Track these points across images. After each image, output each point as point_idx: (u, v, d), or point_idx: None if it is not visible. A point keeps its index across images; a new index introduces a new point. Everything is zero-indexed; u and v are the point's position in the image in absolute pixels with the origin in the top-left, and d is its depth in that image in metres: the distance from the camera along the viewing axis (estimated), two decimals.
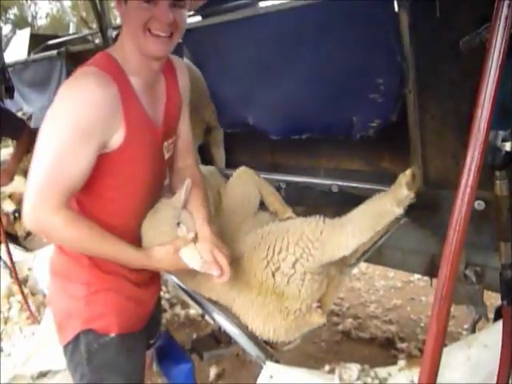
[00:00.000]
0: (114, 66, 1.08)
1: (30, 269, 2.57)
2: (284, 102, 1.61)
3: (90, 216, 1.11)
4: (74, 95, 1.01)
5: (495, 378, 1.11)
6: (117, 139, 1.07)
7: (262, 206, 1.63)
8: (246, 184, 1.60)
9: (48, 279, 1.30)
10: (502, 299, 1.23)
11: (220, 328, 1.43)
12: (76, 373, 1.20)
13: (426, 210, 1.50)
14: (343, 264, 1.37)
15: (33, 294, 2.45)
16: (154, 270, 1.23)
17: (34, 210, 1.00)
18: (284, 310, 1.27)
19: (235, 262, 1.27)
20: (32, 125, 3.08)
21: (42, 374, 2.11)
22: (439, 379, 1.21)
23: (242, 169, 1.64)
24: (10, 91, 2.69)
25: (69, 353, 1.20)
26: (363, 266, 3.75)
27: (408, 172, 1.19)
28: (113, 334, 1.18)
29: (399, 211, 1.18)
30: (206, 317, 1.41)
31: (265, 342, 1.32)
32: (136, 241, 1.18)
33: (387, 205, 1.19)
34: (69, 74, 2.60)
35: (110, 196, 1.15)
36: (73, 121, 0.99)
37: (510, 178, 1.09)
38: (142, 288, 1.29)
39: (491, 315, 1.72)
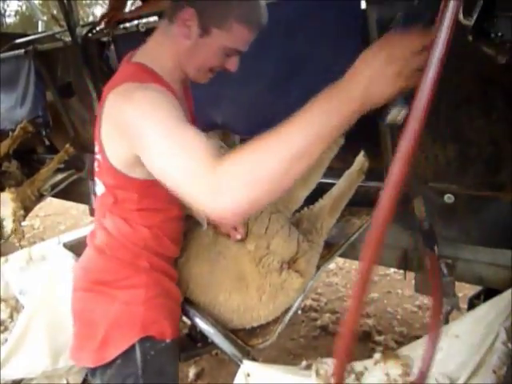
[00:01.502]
0: (152, 74, 1.04)
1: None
2: (253, 101, 1.60)
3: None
4: (150, 95, 0.92)
5: (467, 367, 1.14)
6: None
7: None
8: None
9: (78, 292, 1.21)
10: (425, 246, 1.47)
11: (196, 327, 1.42)
12: None
13: (398, 206, 1.52)
14: (316, 243, 1.47)
15: (4, 300, 2.38)
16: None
17: (208, 183, 0.76)
18: (260, 287, 1.32)
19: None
20: (1, 125, 2.99)
21: (17, 382, 2.07)
22: (414, 369, 1.24)
23: None
24: None
25: (115, 367, 1.11)
26: (340, 261, 3.79)
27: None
28: (168, 340, 1.15)
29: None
30: (183, 317, 1.40)
31: (242, 338, 1.33)
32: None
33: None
34: (37, 73, 2.56)
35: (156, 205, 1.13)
36: (166, 107, 0.89)
37: None
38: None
39: (463, 306, 1.76)
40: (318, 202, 1.57)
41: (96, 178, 1.16)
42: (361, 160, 1.61)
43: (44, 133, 2.78)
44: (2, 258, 2.53)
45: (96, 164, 1.15)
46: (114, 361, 1.11)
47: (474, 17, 0.62)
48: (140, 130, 0.89)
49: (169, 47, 1.06)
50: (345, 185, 1.59)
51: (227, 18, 0.99)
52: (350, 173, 1.61)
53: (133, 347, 1.11)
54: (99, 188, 1.15)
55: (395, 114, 0.75)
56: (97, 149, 1.11)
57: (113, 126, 1.00)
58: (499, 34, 0.64)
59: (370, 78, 0.70)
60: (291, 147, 0.73)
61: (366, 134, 1.63)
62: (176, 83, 1.11)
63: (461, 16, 0.59)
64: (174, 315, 1.23)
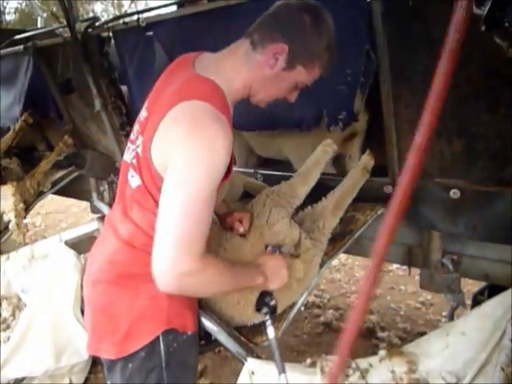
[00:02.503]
0: (222, 96, 1.09)
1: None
2: None
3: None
4: (206, 140, 0.98)
5: (473, 365, 1.12)
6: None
7: None
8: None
9: (102, 285, 1.20)
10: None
11: (200, 326, 1.41)
12: (148, 379, 1.15)
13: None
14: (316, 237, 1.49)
15: (6, 298, 2.37)
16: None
17: (175, 266, 0.98)
18: None
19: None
20: (1, 122, 2.98)
21: (19, 381, 2.06)
22: (419, 367, 1.23)
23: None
24: None
25: (139, 359, 1.14)
26: (343, 257, 3.78)
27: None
28: (190, 332, 1.20)
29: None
30: None
31: (246, 336, 1.32)
32: None
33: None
34: (36, 69, 2.55)
35: None
36: (210, 167, 0.98)
37: None
38: None
39: (469, 302, 1.75)
40: (321, 200, 1.56)
41: (132, 170, 1.15)
42: (366, 158, 1.60)
43: (60, 124, 2.82)
44: (4, 256, 2.52)
45: (133, 156, 1.15)
46: (136, 353, 1.14)
47: (487, 6, 0.60)
48: (178, 166, 0.99)
49: (247, 72, 1.11)
50: (349, 183, 1.57)
51: (314, 61, 1.10)
52: (354, 171, 1.59)
53: (157, 340, 1.14)
54: (135, 181, 1.15)
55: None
56: (139, 142, 1.12)
57: (165, 139, 1.03)
58: None
59: (270, 274, 1.22)
60: (235, 281, 1.13)
61: (370, 129, 1.62)
62: (234, 102, 1.17)
63: (473, 5, 0.57)
64: (194, 308, 1.26)
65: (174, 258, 0.97)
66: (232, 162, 1.13)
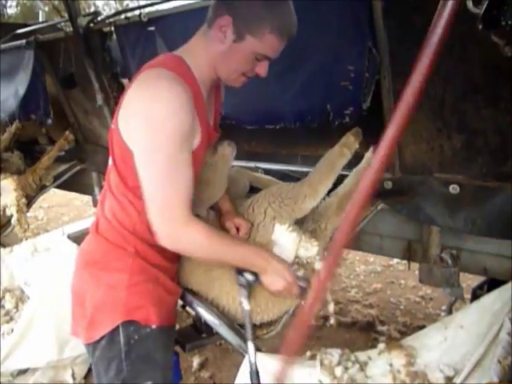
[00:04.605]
0: (186, 69, 1.11)
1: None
2: (257, 91, 1.60)
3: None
4: (159, 102, 1.01)
5: (471, 358, 1.14)
6: (195, 142, 1.11)
7: None
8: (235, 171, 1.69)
9: (76, 271, 1.26)
10: None
11: (201, 318, 1.43)
12: (109, 368, 1.15)
13: (402, 196, 1.52)
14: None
15: (9, 290, 2.39)
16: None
17: (165, 228, 1.05)
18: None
19: None
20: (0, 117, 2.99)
21: (22, 372, 2.09)
22: (417, 360, 1.24)
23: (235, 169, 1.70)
24: None
25: (101, 348, 1.16)
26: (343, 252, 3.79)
27: (353, 129, 1.47)
28: (154, 326, 1.18)
29: (348, 152, 1.43)
30: (187, 308, 1.40)
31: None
32: None
33: (339, 150, 1.44)
34: (38, 62, 2.55)
35: None
36: (171, 130, 1.00)
37: None
38: (175, 281, 1.31)
39: (468, 296, 1.76)
40: (323, 200, 1.49)
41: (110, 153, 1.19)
42: (370, 157, 1.52)
43: (45, 124, 2.79)
44: (7, 249, 2.54)
45: (110, 136, 1.18)
46: (99, 341, 1.15)
47: (484, 5, 0.61)
48: (140, 135, 1.03)
49: (205, 49, 1.13)
50: (352, 183, 1.51)
51: (261, 28, 1.06)
52: (357, 170, 1.53)
53: (116, 330, 1.14)
54: (109, 162, 1.19)
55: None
56: (114, 120, 1.15)
57: (127, 108, 1.07)
58: (510, 22, 0.63)
59: (270, 272, 1.19)
60: (229, 254, 1.15)
61: (367, 122, 1.62)
62: (207, 82, 1.17)
63: (470, 4, 0.58)
64: (164, 303, 1.23)
65: (162, 222, 1.04)
66: (207, 126, 1.16)
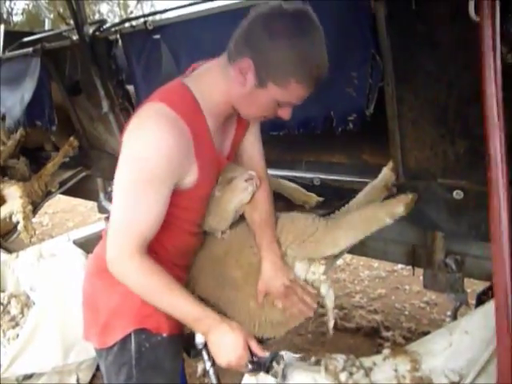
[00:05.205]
0: (191, 102, 1.06)
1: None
2: None
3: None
4: (146, 141, 0.99)
5: (476, 364, 1.13)
6: (190, 180, 1.08)
7: None
8: None
9: (87, 277, 1.28)
10: None
11: None
12: (119, 374, 1.16)
13: None
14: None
15: (15, 296, 2.40)
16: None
17: (113, 254, 1.05)
18: (270, 303, 1.28)
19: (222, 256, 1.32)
20: (6, 124, 3.02)
21: (27, 377, 2.09)
22: (422, 365, 1.24)
23: None
24: None
25: (113, 354, 1.17)
26: (348, 257, 3.79)
27: (410, 196, 1.34)
28: (164, 334, 1.18)
29: (390, 222, 1.31)
30: None
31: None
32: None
33: (382, 215, 1.31)
34: (44, 70, 2.58)
35: (170, 221, 1.13)
36: (145, 170, 0.99)
37: None
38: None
39: (472, 301, 1.76)
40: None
41: None
42: (387, 174, 1.46)
43: (50, 130, 2.81)
44: (13, 255, 2.56)
45: None
46: (112, 347, 1.17)
47: None
48: (118, 170, 1.04)
49: (223, 86, 1.06)
50: (366, 200, 1.45)
51: (286, 77, 0.98)
52: (373, 186, 1.46)
53: (128, 337, 1.15)
54: None
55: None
56: None
57: (125, 134, 1.06)
58: None
59: (214, 338, 1.09)
60: (164, 301, 1.08)
61: (371, 129, 1.63)
62: (221, 115, 1.13)
63: (472, 13, 0.59)
64: None
65: (112, 248, 1.04)
66: (211, 159, 1.13)
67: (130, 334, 1.15)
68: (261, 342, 1.33)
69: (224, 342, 1.07)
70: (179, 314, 1.09)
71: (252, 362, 1.08)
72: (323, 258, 1.31)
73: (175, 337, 1.22)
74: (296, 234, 1.29)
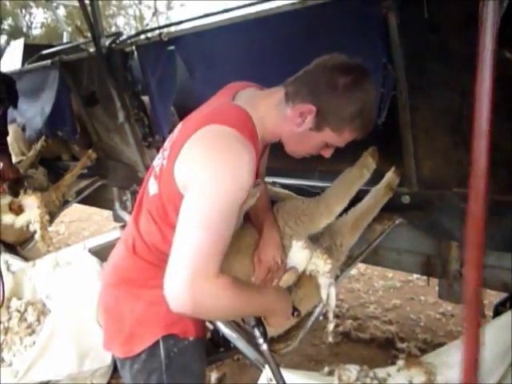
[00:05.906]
0: (253, 130, 1.09)
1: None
2: None
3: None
4: (229, 160, 0.98)
5: (493, 376, 1.12)
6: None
7: None
8: None
9: (107, 288, 1.26)
10: None
11: (219, 332, 1.44)
12: (149, 380, 1.18)
13: (420, 211, 1.51)
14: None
15: (32, 304, 2.44)
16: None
17: (190, 285, 0.92)
18: None
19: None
20: (27, 135, 3.10)
21: None
22: (438, 377, 1.22)
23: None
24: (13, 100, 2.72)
25: (141, 362, 1.18)
26: (362, 267, 3.76)
27: (370, 147, 1.47)
28: (191, 338, 1.21)
29: (367, 173, 1.45)
30: (206, 322, 1.41)
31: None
32: None
33: (358, 171, 1.45)
34: (62, 81, 2.64)
35: None
36: (229, 195, 0.97)
37: None
38: None
39: (490, 313, 1.73)
40: (340, 216, 1.48)
41: (153, 178, 1.18)
42: (391, 177, 1.52)
43: (72, 139, 2.88)
44: (30, 263, 2.60)
45: (159, 165, 1.17)
46: (139, 355, 1.18)
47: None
48: (194, 190, 0.99)
49: (276, 120, 1.12)
50: (370, 202, 1.50)
51: (344, 126, 1.07)
52: (377, 189, 1.53)
53: (157, 344, 1.17)
54: (153, 188, 1.17)
55: None
56: (167, 154, 1.14)
57: (188, 158, 1.05)
58: None
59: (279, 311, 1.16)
60: (250, 306, 1.09)
61: (384, 137, 1.63)
62: (265, 141, 1.18)
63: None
64: None
65: (189, 277, 0.92)
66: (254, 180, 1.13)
67: (158, 341, 1.17)
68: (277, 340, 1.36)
69: (283, 305, 1.18)
70: (256, 313, 1.16)
71: (295, 309, 1.21)
72: (325, 248, 1.41)
73: (200, 340, 1.25)
74: (291, 213, 1.41)
